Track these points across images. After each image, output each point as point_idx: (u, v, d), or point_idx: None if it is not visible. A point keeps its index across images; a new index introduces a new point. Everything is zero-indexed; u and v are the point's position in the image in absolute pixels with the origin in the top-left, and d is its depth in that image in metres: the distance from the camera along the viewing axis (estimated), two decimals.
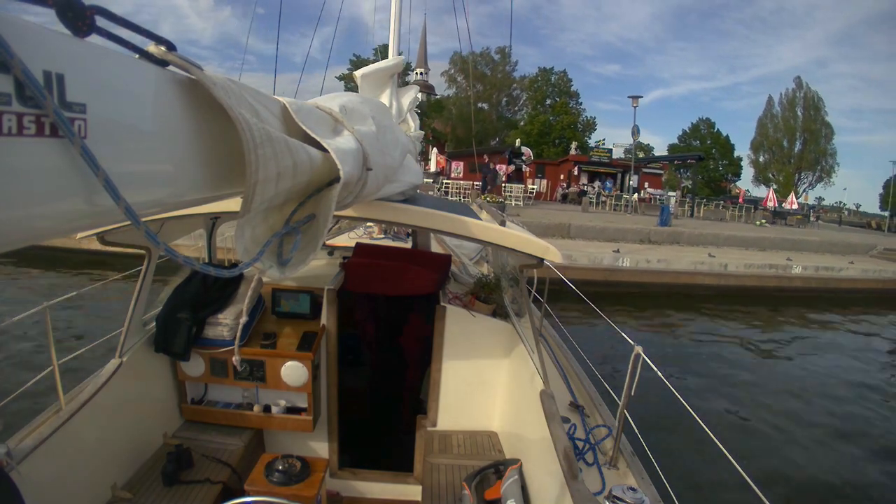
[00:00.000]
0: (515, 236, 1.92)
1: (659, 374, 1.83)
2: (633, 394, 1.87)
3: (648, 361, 1.85)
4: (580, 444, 2.07)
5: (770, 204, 26.31)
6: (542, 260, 1.89)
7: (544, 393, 2.10)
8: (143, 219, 0.55)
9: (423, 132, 3.88)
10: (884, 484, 4.99)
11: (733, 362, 7.96)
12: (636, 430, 2.03)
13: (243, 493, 2.02)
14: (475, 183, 18.79)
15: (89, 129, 0.45)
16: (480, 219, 2.10)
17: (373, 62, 2.93)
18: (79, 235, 1.26)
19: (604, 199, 22.38)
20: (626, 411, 1.94)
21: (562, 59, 68.50)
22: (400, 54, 5.62)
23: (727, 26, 69.00)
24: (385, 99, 2.83)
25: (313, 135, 0.87)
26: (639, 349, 1.88)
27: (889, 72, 63.63)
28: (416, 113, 3.58)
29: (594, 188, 23.71)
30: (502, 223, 2.03)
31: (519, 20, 63.10)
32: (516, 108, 44.32)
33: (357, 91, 2.73)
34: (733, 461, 1.51)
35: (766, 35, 65.05)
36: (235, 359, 2.46)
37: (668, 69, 73.85)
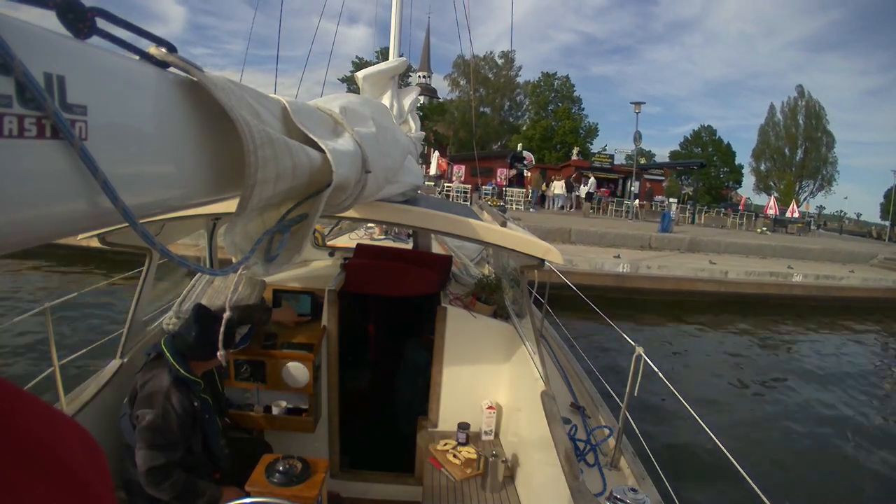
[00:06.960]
0: (516, 237, 1.91)
1: (660, 374, 1.83)
2: (634, 395, 1.86)
3: (650, 362, 1.85)
4: (581, 445, 2.06)
5: (771, 212, 26.27)
6: (542, 261, 1.88)
7: (545, 394, 2.09)
8: (145, 220, 0.55)
9: (423, 133, 3.88)
10: (881, 482, 5.00)
11: (732, 368, 7.94)
12: (637, 431, 2.02)
13: (244, 494, 2.01)
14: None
15: (90, 130, 0.44)
16: (481, 219, 2.10)
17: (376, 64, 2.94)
18: (80, 237, 1.27)
19: (603, 204, 22.26)
20: (627, 412, 1.93)
21: (618, 105, 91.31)
22: (402, 56, 5.65)
23: (744, 91, 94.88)
24: (386, 100, 2.83)
25: (312, 136, 0.86)
26: (640, 350, 1.88)
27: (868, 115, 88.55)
28: (418, 115, 3.60)
29: (586, 186, 22.67)
30: (503, 224, 2.03)
31: (594, 84, 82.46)
32: (519, 114, 44.37)
33: (359, 92, 2.74)
34: (734, 461, 1.51)
35: (771, 96, 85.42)
36: (221, 354, 2.44)
37: (700, 110, 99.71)
